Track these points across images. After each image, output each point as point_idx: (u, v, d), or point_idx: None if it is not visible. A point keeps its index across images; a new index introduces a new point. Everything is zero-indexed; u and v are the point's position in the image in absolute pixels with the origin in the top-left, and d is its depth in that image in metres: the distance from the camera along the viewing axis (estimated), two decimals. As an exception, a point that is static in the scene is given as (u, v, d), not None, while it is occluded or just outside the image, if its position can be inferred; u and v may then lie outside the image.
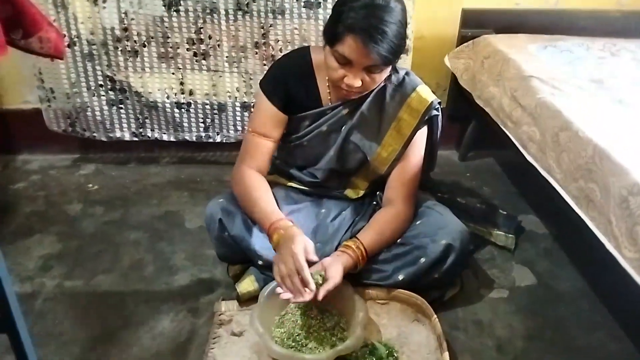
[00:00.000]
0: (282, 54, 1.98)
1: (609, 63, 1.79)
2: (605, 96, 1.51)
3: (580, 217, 1.23)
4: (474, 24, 2.11)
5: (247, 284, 1.41)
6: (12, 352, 1.10)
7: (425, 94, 1.42)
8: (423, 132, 1.45)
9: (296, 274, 1.19)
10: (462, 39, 2.10)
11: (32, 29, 0.91)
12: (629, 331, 1.39)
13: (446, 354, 1.21)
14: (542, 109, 1.46)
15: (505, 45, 1.87)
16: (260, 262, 1.39)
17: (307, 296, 1.20)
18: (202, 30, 2.01)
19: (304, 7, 1.99)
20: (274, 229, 1.29)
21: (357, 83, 1.26)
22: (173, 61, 2.06)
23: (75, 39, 1.97)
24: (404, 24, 1.23)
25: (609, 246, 1.10)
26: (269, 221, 1.31)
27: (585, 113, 1.36)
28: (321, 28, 2.00)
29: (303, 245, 1.22)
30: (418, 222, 1.44)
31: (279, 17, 2.00)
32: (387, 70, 1.31)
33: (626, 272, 1.05)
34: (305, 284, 1.19)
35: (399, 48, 1.24)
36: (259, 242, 1.38)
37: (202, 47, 2.04)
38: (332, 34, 1.23)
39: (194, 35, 2.02)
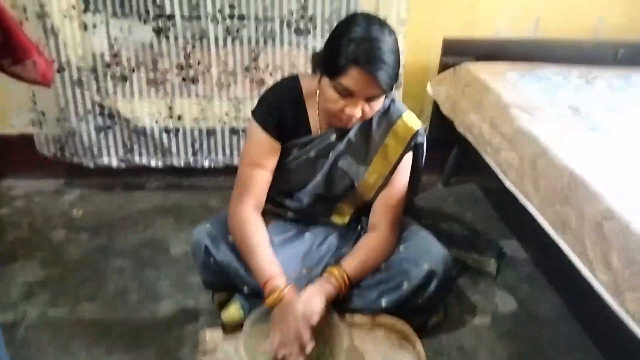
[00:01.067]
0: (272, 78, 2.04)
1: (585, 91, 1.85)
2: (581, 123, 1.55)
3: (556, 241, 1.26)
4: (455, 52, 2.17)
5: (232, 312, 1.41)
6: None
7: (411, 121, 1.45)
8: (408, 158, 1.48)
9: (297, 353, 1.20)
10: (443, 67, 2.16)
11: (21, 55, 0.93)
12: (605, 352, 1.42)
13: (429, 380, 1.22)
14: (520, 136, 1.50)
15: (485, 73, 1.93)
16: (245, 289, 1.40)
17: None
18: (191, 56, 2.05)
19: (294, 33, 2.04)
20: (270, 289, 1.28)
21: (359, 113, 1.29)
22: (162, 86, 2.09)
23: (65, 65, 1.99)
24: (398, 52, 1.27)
25: (584, 269, 1.13)
26: (265, 277, 1.30)
27: (562, 140, 1.40)
28: (310, 54, 2.05)
29: (307, 321, 1.22)
30: (401, 247, 1.46)
31: (269, 42, 2.04)
32: (383, 98, 1.34)
33: (600, 295, 1.08)
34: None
35: (397, 76, 1.27)
36: (245, 269, 1.38)
37: (191, 72, 2.08)
38: (332, 67, 1.24)
39: (183, 61, 2.06)
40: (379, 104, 1.33)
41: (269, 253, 1.36)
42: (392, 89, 1.31)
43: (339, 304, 1.39)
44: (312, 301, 1.26)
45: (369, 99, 1.28)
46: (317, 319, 1.23)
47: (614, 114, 1.64)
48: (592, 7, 2.24)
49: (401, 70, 2.03)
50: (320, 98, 1.37)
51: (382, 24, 1.26)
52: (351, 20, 1.27)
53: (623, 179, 1.21)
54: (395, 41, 1.27)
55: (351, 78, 1.23)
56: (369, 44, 1.21)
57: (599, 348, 1.43)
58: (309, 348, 1.20)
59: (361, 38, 1.21)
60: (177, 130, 2.16)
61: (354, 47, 1.21)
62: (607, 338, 1.42)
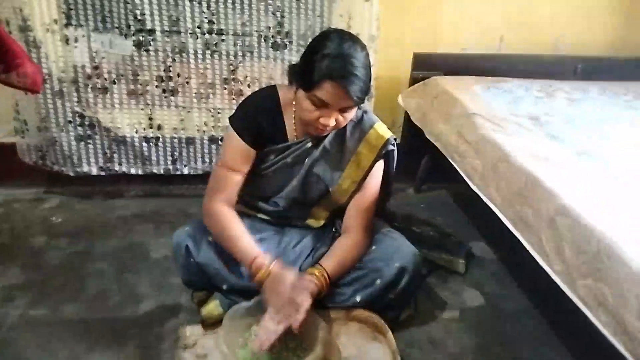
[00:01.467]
0: (250, 90, 2.12)
1: (545, 102, 1.98)
2: (541, 132, 1.67)
3: (517, 238, 1.35)
4: (425, 67, 2.28)
5: (211, 308, 1.46)
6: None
7: (382, 130, 1.55)
8: (380, 165, 1.57)
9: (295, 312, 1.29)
10: (413, 80, 2.27)
11: (12, 63, 0.98)
12: (569, 345, 1.51)
13: (400, 367, 1.29)
14: (484, 143, 1.60)
15: (453, 86, 2.04)
16: (225, 287, 1.45)
17: (277, 332, 1.28)
18: (171, 68, 2.11)
19: (271, 47, 2.12)
20: (256, 266, 1.37)
21: (332, 123, 1.37)
22: (142, 98, 2.14)
23: (47, 77, 2.03)
24: (369, 66, 1.36)
25: (541, 262, 1.22)
26: (249, 258, 1.39)
27: (522, 146, 1.51)
28: (286, 67, 2.14)
29: (295, 286, 1.32)
30: (374, 248, 1.54)
31: (247, 56, 2.13)
32: (355, 109, 1.43)
33: (557, 285, 1.17)
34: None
35: (368, 89, 1.37)
36: (224, 267, 1.45)
37: (171, 84, 2.14)
38: (307, 80, 1.32)
39: (163, 74, 2.12)
40: (352, 113, 1.42)
41: (249, 238, 1.44)
42: (364, 101, 1.40)
43: (316, 300, 1.45)
44: (300, 297, 1.32)
45: (343, 110, 1.37)
46: (305, 314, 1.29)
47: (571, 124, 1.76)
48: (553, 24, 2.39)
49: (373, 83, 2.13)
50: (296, 107, 1.45)
51: (355, 40, 1.35)
52: (325, 36, 1.36)
53: (575, 180, 1.32)
54: (367, 56, 1.36)
55: (325, 91, 1.31)
56: (342, 60, 1.30)
57: (563, 341, 1.52)
58: (305, 306, 1.29)
59: (334, 54, 1.30)
60: (157, 139, 2.21)
61: (328, 63, 1.29)
62: (568, 330, 1.52)
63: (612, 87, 2.22)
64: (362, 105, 1.45)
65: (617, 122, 1.81)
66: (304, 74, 1.35)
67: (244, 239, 1.44)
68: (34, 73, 1.04)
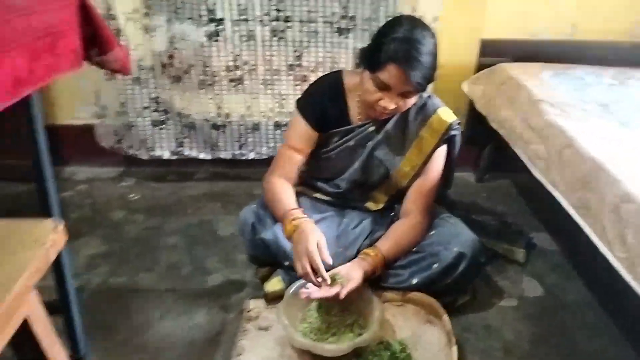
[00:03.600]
0: (314, 75, 2.17)
1: (617, 90, 1.90)
2: (611, 119, 1.62)
3: (579, 228, 1.33)
4: (493, 53, 2.24)
5: (274, 284, 1.54)
6: (65, 336, 1.25)
7: (445, 115, 1.56)
8: (442, 150, 1.58)
9: (313, 273, 1.33)
10: (480, 67, 2.24)
11: (106, 47, 1.07)
12: (629, 337, 1.48)
13: (455, 348, 1.32)
14: (549, 129, 1.57)
15: (520, 72, 2.00)
16: (286, 263, 1.52)
17: (324, 292, 1.33)
18: (238, 57, 2.19)
19: (335, 33, 2.17)
20: (287, 216, 1.45)
21: (392, 106, 1.41)
22: (211, 87, 2.24)
23: (127, 64, 2.17)
24: (435, 55, 1.38)
25: (603, 249, 1.21)
26: (283, 210, 1.47)
27: (588, 132, 1.48)
28: (350, 52, 2.18)
29: (316, 244, 1.36)
30: (432, 232, 1.56)
31: (312, 42, 2.18)
32: (418, 95, 1.45)
33: (618, 272, 1.15)
34: (322, 278, 1.33)
35: (431, 77, 1.39)
36: (286, 243, 1.50)
37: (239, 72, 2.22)
38: (373, 62, 1.37)
39: (231, 63, 2.20)
40: (412, 99, 1.44)
41: (291, 197, 1.53)
42: (425, 89, 1.42)
43: (373, 282, 1.50)
44: (353, 270, 1.38)
45: (403, 95, 1.40)
46: (354, 286, 1.35)
47: (642, 111, 1.70)
48: (629, 9, 2.27)
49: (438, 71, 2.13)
50: (360, 89, 1.49)
51: (425, 27, 1.38)
52: (397, 20, 1.40)
53: (640, 167, 1.28)
54: (435, 45, 1.38)
55: (388, 73, 1.35)
56: (409, 45, 1.32)
57: (624, 333, 1.49)
58: (355, 281, 1.35)
59: (402, 38, 1.33)
60: (225, 126, 2.31)
61: (395, 46, 1.33)
62: (629, 323, 1.48)
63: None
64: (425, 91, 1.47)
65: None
66: (371, 55, 1.39)
67: (286, 197, 1.52)
68: (124, 56, 1.12)
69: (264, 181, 1.61)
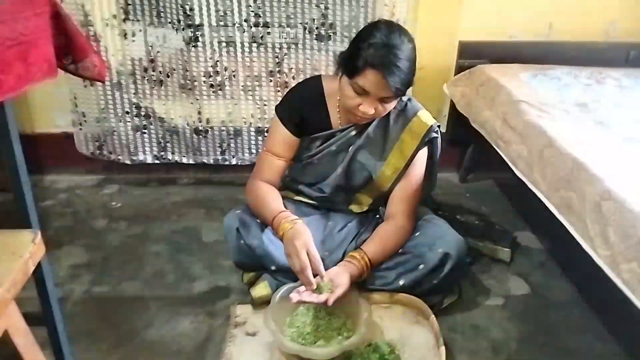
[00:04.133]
0: (295, 81, 2.17)
1: (594, 89, 1.94)
2: (588, 118, 1.65)
3: (562, 226, 1.35)
4: (471, 55, 2.27)
5: (260, 289, 1.53)
6: (49, 347, 1.23)
7: (425, 118, 1.57)
8: (423, 152, 1.60)
9: (304, 271, 1.34)
10: (459, 69, 2.27)
11: (80, 55, 1.05)
12: (614, 333, 1.50)
13: (442, 348, 1.32)
14: (530, 129, 1.60)
15: (499, 74, 2.03)
16: (273, 267, 1.52)
17: (314, 298, 1.34)
18: (218, 63, 2.18)
19: (315, 39, 2.17)
20: (278, 220, 1.45)
21: (372, 111, 1.41)
22: (191, 92, 2.23)
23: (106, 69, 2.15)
24: (414, 59, 1.39)
25: (586, 247, 1.22)
26: (273, 214, 1.47)
27: (568, 132, 1.50)
28: (331, 58, 2.18)
29: (305, 245, 1.37)
30: (417, 233, 1.57)
31: (292, 48, 2.18)
32: (397, 100, 1.46)
33: (604, 273, 1.17)
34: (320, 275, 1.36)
35: (410, 81, 1.40)
36: (273, 247, 1.50)
37: (219, 78, 2.21)
38: (351, 67, 1.36)
39: (210, 69, 2.19)
40: (392, 104, 1.45)
41: (278, 201, 1.54)
42: (404, 93, 1.43)
43: (360, 284, 1.50)
44: (340, 275, 1.39)
45: (382, 100, 1.40)
46: (342, 292, 1.35)
47: (620, 110, 1.73)
48: (604, 10, 2.32)
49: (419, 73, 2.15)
50: (339, 94, 1.49)
51: (403, 32, 1.38)
52: (374, 25, 1.39)
53: (620, 165, 1.31)
54: (413, 49, 1.38)
55: (366, 79, 1.35)
56: (387, 50, 1.33)
57: (609, 330, 1.51)
58: (343, 286, 1.36)
59: (380, 43, 1.33)
60: (206, 131, 2.30)
61: (373, 51, 1.33)
62: (614, 319, 1.51)
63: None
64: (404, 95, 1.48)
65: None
66: (348, 60, 1.39)
67: (273, 200, 1.53)
68: (99, 63, 1.11)
69: (247, 186, 1.61)
